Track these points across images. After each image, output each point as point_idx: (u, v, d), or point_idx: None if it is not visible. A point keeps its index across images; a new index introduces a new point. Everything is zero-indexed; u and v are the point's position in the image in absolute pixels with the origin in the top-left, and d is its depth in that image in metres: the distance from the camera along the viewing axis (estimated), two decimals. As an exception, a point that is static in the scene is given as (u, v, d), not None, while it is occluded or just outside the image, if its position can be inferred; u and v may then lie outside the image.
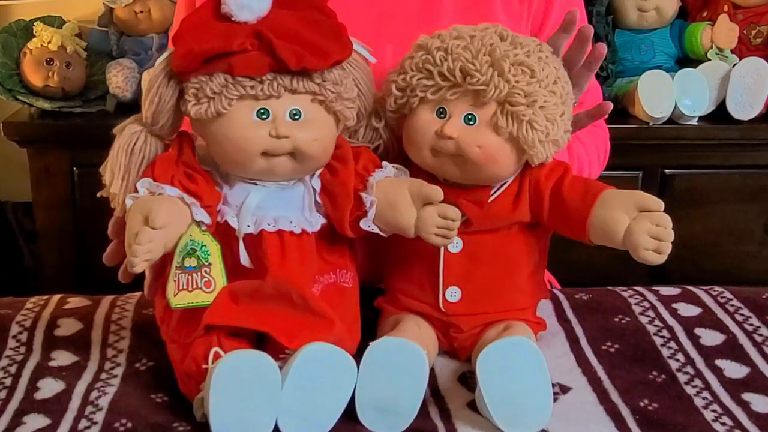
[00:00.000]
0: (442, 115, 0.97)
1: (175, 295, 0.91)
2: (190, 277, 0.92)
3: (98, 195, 0.99)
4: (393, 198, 0.96)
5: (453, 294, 1.02)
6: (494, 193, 1.00)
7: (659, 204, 0.93)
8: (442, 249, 1.00)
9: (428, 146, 0.98)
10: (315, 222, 0.97)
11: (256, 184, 0.96)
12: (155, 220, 0.87)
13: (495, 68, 0.94)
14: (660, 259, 0.91)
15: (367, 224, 0.97)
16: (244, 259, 0.95)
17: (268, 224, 0.94)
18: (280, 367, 0.86)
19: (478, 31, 0.98)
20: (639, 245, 0.91)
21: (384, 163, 1.00)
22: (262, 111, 0.92)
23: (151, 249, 0.87)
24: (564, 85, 0.99)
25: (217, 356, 0.88)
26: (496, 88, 0.94)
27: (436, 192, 0.94)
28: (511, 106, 0.94)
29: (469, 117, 0.96)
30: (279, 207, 0.96)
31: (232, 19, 0.92)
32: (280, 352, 0.89)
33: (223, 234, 0.95)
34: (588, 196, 0.96)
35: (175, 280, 0.91)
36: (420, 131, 0.98)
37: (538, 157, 0.97)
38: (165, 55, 0.95)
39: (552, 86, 0.96)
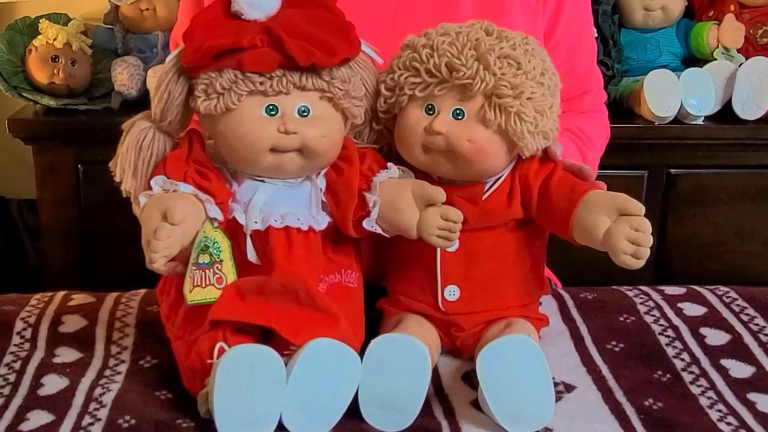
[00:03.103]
0: (431, 112, 0.97)
1: (190, 291, 0.91)
2: (203, 273, 0.92)
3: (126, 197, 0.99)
4: (396, 199, 0.96)
5: (452, 293, 1.02)
6: (488, 190, 1.00)
7: (640, 208, 0.92)
8: (438, 248, 1.00)
9: (419, 144, 0.98)
10: (322, 220, 0.97)
11: (263, 182, 0.96)
12: (174, 215, 0.87)
13: (480, 62, 0.94)
14: (637, 264, 0.90)
15: (370, 224, 0.97)
16: (251, 255, 0.95)
17: (276, 220, 0.94)
18: (285, 363, 0.86)
19: (464, 28, 0.98)
20: (617, 249, 0.90)
21: (389, 164, 1.00)
22: (270, 107, 0.92)
23: (169, 245, 0.88)
24: (552, 77, 0.99)
25: (222, 351, 0.88)
26: (482, 81, 0.94)
27: (439, 193, 0.94)
28: (498, 98, 0.94)
29: (458, 111, 0.96)
30: (286, 204, 0.96)
31: (243, 17, 0.93)
32: (285, 347, 0.89)
33: (231, 230, 0.95)
34: (573, 196, 0.96)
35: (190, 277, 0.91)
36: (410, 129, 0.98)
37: (528, 149, 0.97)
38: (176, 51, 0.95)
39: (539, 77, 0.96)
